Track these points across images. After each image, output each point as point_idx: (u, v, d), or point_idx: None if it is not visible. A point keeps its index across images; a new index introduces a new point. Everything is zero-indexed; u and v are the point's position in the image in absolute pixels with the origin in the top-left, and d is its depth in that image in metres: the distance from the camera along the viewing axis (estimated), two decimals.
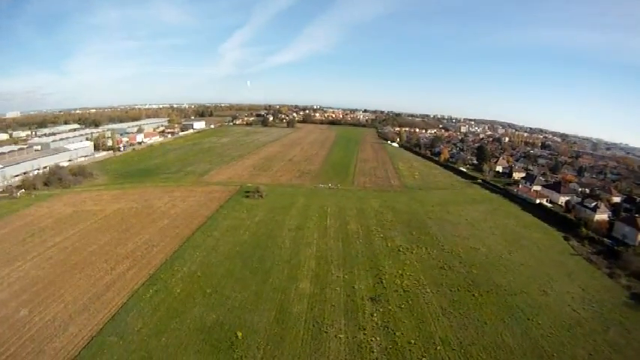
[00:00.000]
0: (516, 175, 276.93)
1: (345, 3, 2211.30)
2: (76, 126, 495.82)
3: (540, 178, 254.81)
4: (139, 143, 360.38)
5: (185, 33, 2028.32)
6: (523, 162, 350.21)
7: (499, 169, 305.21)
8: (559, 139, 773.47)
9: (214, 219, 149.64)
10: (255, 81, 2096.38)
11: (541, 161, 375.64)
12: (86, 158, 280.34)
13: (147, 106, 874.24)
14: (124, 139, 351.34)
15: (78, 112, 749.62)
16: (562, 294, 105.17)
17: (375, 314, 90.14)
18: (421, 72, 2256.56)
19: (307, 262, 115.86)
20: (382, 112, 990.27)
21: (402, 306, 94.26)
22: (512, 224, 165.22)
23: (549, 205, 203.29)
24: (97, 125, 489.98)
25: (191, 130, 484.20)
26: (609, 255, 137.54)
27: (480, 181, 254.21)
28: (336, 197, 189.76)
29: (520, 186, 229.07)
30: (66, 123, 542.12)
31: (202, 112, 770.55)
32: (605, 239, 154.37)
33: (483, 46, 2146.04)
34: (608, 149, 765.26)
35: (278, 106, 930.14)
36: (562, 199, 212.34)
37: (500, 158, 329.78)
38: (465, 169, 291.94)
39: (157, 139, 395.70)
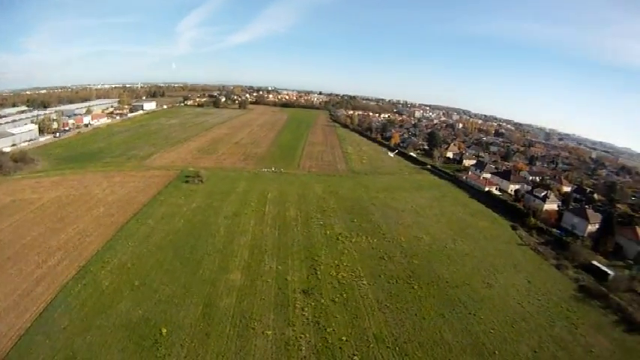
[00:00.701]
0: (467, 162, 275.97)
1: None
2: (24, 108, 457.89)
3: (491, 165, 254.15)
4: (86, 125, 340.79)
5: (142, 10, 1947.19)
6: (475, 149, 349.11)
7: (450, 155, 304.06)
8: (513, 128, 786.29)
9: (151, 206, 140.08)
10: (212, 61, 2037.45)
11: (493, 149, 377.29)
12: (30, 143, 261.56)
13: (99, 87, 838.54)
14: (70, 122, 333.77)
15: (28, 92, 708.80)
16: (507, 286, 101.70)
17: (306, 309, 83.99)
18: (379, 56, 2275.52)
19: (240, 251, 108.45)
20: (337, 95, 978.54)
21: (336, 299, 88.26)
22: (459, 212, 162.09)
23: (498, 193, 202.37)
24: (45, 107, 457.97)
25: (140, 112, 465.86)
26: (557, 246, 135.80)
27: (429, 167, 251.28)
28: (278, 182, 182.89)
29: (470, 173, 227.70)
30: (14, 105, 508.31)
31: (154, 93, 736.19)
32: (553, 230, 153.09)
33: (443, 33, 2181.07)
34: (560, 139, 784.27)
35: (232, 87, 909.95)
36: (512, 188, 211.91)
37: (452, 144, 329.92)
38: (415, 155, 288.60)
39: (105, 120, 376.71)
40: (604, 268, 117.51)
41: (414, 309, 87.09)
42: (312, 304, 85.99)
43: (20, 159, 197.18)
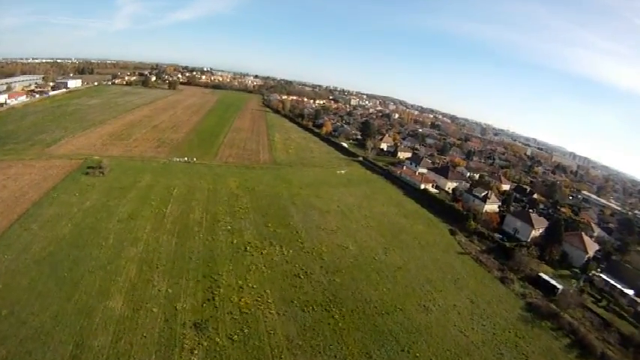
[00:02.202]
0: (402, 155, 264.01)
1: None
2: None
3: (427, 160, 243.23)
4: (1, 105, 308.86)
5: None
6: (410, 141, 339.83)
7: (384, 146, 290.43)
8: (449, 121, 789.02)
9: (40, 205, 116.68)
10: (150, 39, 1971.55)
11: (429, 141, 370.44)
12: None
13: (29, 61, 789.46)
14: None
15: None
16: (447, 309, 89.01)
17: (196, 350, 65.44)
18: (320, 43, 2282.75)
19: (127, 268, 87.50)
20: (274, 79, 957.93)
21: (235, 337, 69.81)
22: (391, 213, 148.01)
23: (435, 191, 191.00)
24: None
25: (63, 90, 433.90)
26: (500, 254, 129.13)
27: (360, 158, 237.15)
28: (189, 174, 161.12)
29: (404, 167, 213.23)
30: None
31: (83, 70, 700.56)
32: (495, 234, 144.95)
33: (385, 24, 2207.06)
34: (496, 134, 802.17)
35: (165, 67, 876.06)
36: (449, 185, 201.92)
37: (387, 135, 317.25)
38: (346, 145, 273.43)
39: (23, 99, 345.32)
40: (553, 282, 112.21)
41: (333, 348, 70.53)
42: (205, 343, 67.22)
43: None
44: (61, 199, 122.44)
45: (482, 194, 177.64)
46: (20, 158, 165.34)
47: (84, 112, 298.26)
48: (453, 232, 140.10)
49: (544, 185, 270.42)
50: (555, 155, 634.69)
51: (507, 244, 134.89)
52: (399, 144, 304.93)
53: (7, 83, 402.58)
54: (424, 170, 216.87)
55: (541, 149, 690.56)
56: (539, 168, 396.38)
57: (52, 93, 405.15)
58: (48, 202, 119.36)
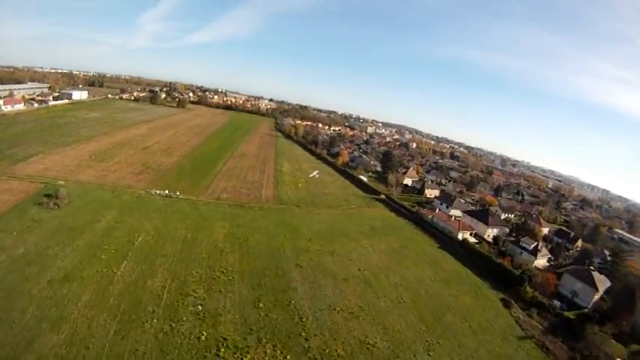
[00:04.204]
0: (429, 192, 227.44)
1: None
2: None
3: (460, 200, 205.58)
4: None
5: None
6: (435, 174, 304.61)
7: (408, 181, 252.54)
8: (465, 151, 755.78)
9: None
10: (169, 58, 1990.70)
11: (453, 174, 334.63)
12: None
13: (44, 70, 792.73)
14: None
15: None
16: None
17: None
18: (336, 70, 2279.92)
19: None
20: (289, 103, 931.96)
21: None
22: (428, 277, 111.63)
23: (474, 240, 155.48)
24: None
25: (65, 100, 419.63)
26: (565, 331, 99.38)
27: (383, 197, 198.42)
28: (165, 214, 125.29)
29: (437, 210, 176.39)
30: None
31: (93, 82, 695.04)
32: (554, 301, 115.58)
33: (400, 53, 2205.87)
34: (513, 165, 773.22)
35: (178, 85, 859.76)
36: (489, 233, 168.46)
37: (411, 169, 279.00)
38: (366, 179, 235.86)
39: (20, 107, 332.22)
40: None
41: None
42: None
43: None
44: None
45: (532, 245, 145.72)
46: None
47: (75, 125, 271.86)
48: (507, 304, 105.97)
49: (581, 225, 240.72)
50: (575, 187, 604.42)
51: (572, 316, 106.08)
52: (424, 179, 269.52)
53: (9, 89, 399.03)
54: (458, 212, 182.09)
55: (560, 181, 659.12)
56: (567, 203, 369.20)
57: (52, 103, 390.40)
58: None
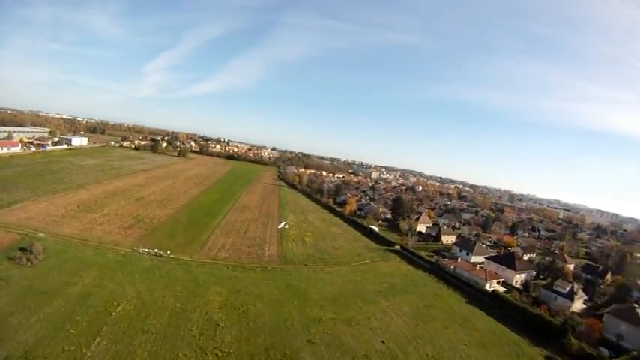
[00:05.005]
0: (445, 238, 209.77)
1: (272, 41, 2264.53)
2: None
3: (481, 245, 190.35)
4: None
5: (112, 46, 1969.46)
6: (448, 217, 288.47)
7: (422, 228, 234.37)
8: (470, 190, 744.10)
9: None
10: (174, 107, 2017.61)
11: (465, 216, 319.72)
12: None
13: (48, 115, 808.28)
14: None
15: None
16: None
17: None
18: (337, 116, 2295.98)
19: None
20: (292, 152, 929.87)
21: None
22: (462, 342, 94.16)
23: (502, 289, 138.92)
24: None
25: (64, 146, 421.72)
26: None
27: (398, 247, 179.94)
28: (152, 278, 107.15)
29: (458, 259, 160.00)
30: None
31: (95, 129, 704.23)
32: (601, 350, 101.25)
33: (397, 96, 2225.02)
34: (520, 200, 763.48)
35: (179, 134, 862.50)
36: (517, 278, 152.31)
37: (423, 214, 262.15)
38: (377, 228, 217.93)
39: (17, 149, 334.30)
40: None
41: None
42: None
43: None
44: None
45: (567, 288, 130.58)
46: None
47: (69, 172, 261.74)
48: None
49: (603, 255, 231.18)
50: (584, 214, 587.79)
51: None
52: (439, 224, 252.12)
53: (9, 131, 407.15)
54: (480, 259, 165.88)
55: (568, 210, 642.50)
56: (582, 234, 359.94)
57: (50, 148, 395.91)
58: None
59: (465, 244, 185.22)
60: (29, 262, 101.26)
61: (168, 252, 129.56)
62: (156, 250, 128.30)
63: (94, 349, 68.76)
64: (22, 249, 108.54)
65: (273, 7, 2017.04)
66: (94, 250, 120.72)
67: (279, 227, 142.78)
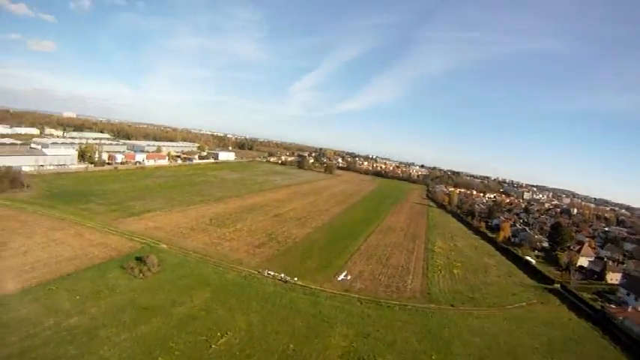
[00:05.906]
0: (610, 276, 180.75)
1: (412, 57, 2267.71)
2: (106, 135, 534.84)
3: None
4: (135, 163, 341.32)
5: (258, 69, 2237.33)
6: (610, 249, 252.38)
7: (583, 262, 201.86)
8: (628, 213, 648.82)
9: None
10: (320, 125, 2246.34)
11: (627, 246, 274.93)
12: (58, 167, 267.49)
13: (200, 131, 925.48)
14: (119, 157, 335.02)
15: (115, 123, 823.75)
16: None
17: None
18: (484, 133, 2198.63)
19: None
20: (440, 169, 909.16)
21: None
22: None
23: None
24: (129, 138, 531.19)
25: (211, 160, 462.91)
26: None
27: (557, 286, 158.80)
28: (271, 307, 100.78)
29: (629, 308, 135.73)
30: (101, 132, 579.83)
31: (242, 145, 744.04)
32: None
33: (551, 110, 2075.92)
34: None
35: (326, 150, 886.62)
36: None
37: (585, 245, 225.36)
38: (533, 260, 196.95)
39: (162, 162, 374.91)
40: None
41: None
42: None
43: (11, 179, 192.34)
44: (46, 300, 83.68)
45: None
46: (81, 222, 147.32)
47: (211, 185, 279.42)
48: None
49: None
50: None
51: None
52: (604, 258, 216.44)
53: (158, 145, 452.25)
54: None
55: None
56: None
57: (196, 161, 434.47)
58: (27, 299, 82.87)
59: (636, 286, 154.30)
60: (141, 274, 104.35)
61: (295, 278, 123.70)
62: (282, 275, 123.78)
63: None
64: (138, 259, 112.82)
65: (405, 23, 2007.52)
66: (214, 268, 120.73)
67: (340, 279, 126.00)
